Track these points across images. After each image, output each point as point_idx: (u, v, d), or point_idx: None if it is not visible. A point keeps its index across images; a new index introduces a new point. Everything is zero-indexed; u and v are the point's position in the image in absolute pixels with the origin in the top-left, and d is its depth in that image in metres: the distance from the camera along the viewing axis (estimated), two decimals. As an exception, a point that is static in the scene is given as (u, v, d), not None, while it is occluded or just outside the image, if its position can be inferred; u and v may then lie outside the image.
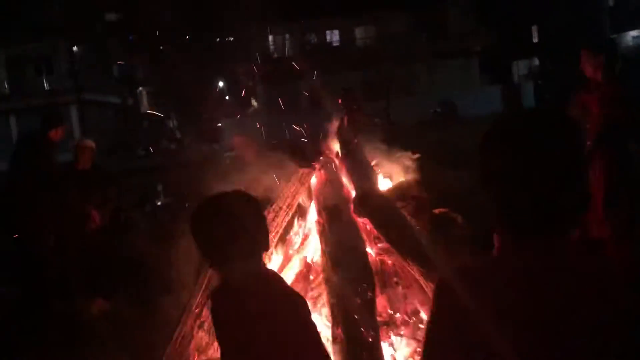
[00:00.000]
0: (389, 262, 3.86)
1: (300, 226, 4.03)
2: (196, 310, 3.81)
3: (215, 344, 3.81)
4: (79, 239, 4.92)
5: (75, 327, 4.46)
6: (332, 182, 3.75)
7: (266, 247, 1.95)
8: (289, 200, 3.70)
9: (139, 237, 5.82)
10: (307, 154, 3.77)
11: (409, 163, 3.72)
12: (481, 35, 28.49)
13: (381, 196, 3.63)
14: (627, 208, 3.81)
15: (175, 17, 23.31)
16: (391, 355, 3.25)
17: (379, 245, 3.83)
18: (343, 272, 3.29)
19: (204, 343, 3.73)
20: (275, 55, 27.54)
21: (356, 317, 3.13)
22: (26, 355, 4.13)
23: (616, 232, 3.72)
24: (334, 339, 3.08)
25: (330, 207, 3.62)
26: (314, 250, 3.93)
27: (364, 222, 3.75)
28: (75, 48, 25.35)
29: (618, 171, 3.74)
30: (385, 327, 3.43)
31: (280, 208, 3.68)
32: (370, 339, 3.07)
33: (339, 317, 3.14)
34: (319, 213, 3.66)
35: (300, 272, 3.85)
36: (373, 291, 3.29)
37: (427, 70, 27.81)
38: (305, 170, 3.69)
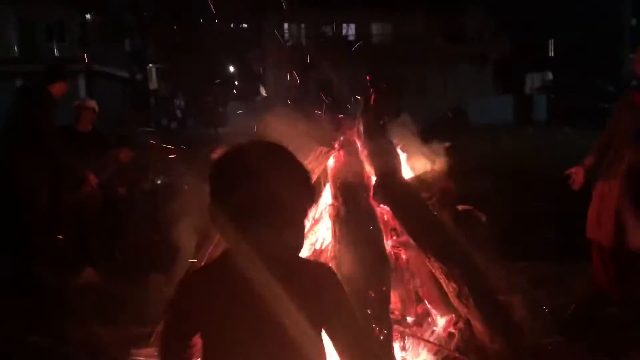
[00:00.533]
0: (404, 257, 3.58)
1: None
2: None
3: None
4: (73, 202, 4.62)
5: (60, 296, 4.17)
6: (351, 165, 3.45)
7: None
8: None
9: (136, 213, 5.55)
10: (327, 132, 3.47)
11: (438, 152, 3.41)
12: (498, 43, 28.14)
13: (405, 184, 3.33)
14: None
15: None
16: (402, 357, 2.96)
17: (395, 238, 3.55)
18: (357, 261, 2.99)
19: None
20: (290, 44, 27.20)
21: (369, 311, 2.84)
22: (7, 323, 3.83)
23: None
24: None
25: (348, 190, 3.32)
26: (323, 236, 3.63)
27: (381, 212, 3.45)
28: (88, 16, 25.00)
29: None
30: (396, 325, 3.14)
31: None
32: (382, 337, 2.78)
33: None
34: (335, 196, 3.36)
35: (307, 258, 3.56)
36: (388, 285, 2.99)
37: (441, 73, 27.47)
38: (324, 148, 3.38)
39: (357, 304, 2.85)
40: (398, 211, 3.20)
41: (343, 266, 3.02)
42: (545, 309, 3.61)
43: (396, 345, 2.98)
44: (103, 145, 5.26)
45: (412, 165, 3.55)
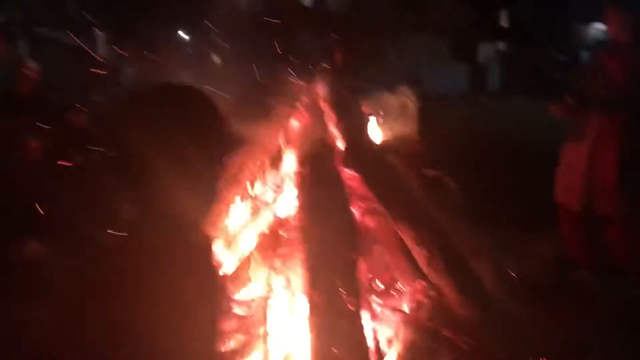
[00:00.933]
0: (371, 225, 3.44)
1: (272, 176, 3.53)
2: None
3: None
4: (12, 169, 4.27)
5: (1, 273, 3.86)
6: (316, 127, 3.26)
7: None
8: (264, 143, 3.18)
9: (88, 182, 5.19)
10: (288, 91, 3.25)
11: (408, 108, 3.25)
12: (452, 13, 28.13)
13: (374, 148, 3.17)
14: None
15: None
16: (371, 327, 2.83)
17: (361, 205, 3.40)
18: (324, 229, 2.84)
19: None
20: (243, 9, 26.45)
21: (337, 281, 2.69)
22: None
23: (629, 212, 3.41)
24: (311, 306, 2.64)
25: (314, 156, 3.14)
26: (286, 206, 3.45)
27: (348, 179, 3.30)
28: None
29: (638, 144, 3.41)
30: (365, 294, 3.01)
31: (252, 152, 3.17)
32: (351, 307, 2.65)
33: (317, 281, 2.69)
34: (301, 163, 3.17)
35: (269, 227, 3.37)
36: (357, 253, 2.85)
37: (395, 41, 27.31)
38: (285, 109, 3.17)
39: (325, 274, 2.71)
40: (367, 176, 3.04)
41: (310, 235, 2.86)
42: (514, 275, 3.55)
43: (365, 315, 2.86)
44: (46, 109, 4.90)
45: (381, 128, 3.38)
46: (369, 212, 3.38)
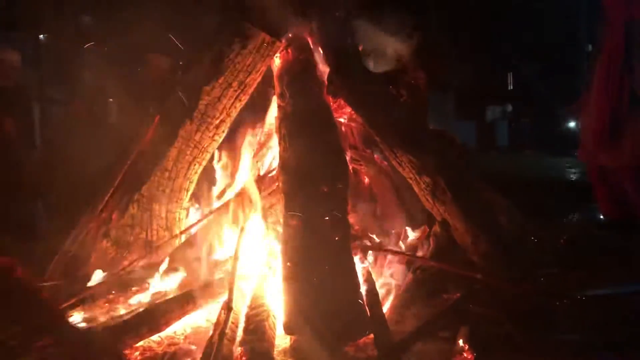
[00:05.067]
0: (362, 174, 2.99)
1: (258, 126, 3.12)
2: (103, 215, 2.83)
3: (126, 260, 2.84)
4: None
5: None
6: (301, 62, 2.85)
7: None
8: (241, 75, 2.77)
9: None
10: (272, 21, 2.86)
11: (407, 41, 2.84)
12: (459, 71, 28.40)
13: (365, 71, 2.76)
14: None
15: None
16: (364, 267, 2.32)
17: (353, 151, 2.96)
18: (306, 152, 2.38)
19: (109, 257, 2.73)
20: None
21: (318, 208, 2.20)
22: None
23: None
24: (286, 225, 2.15)
25: (297, 86, 2.72)
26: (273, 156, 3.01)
27: (341, 119, 2.89)
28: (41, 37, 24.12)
29: None
30: (357, 241, 2.52)
31: (230, 85, 2.76)
32: (336, 237, 2.15)
33: (292, 206, 2.21)
34: (281, 95, 2.75)
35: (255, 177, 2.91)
36: (344, 183, 2.36)
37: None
38: (268, 39, 2.77)
39: (307, 198, 2.23)
40: (357, 101, 2.62)
41: (290, 161, 2.40)
42: (534, 239, 3.03)
43: (356, 259, 2.35)
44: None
45: (375, 61, 2.97)
46: (364, 159, 2.95)
